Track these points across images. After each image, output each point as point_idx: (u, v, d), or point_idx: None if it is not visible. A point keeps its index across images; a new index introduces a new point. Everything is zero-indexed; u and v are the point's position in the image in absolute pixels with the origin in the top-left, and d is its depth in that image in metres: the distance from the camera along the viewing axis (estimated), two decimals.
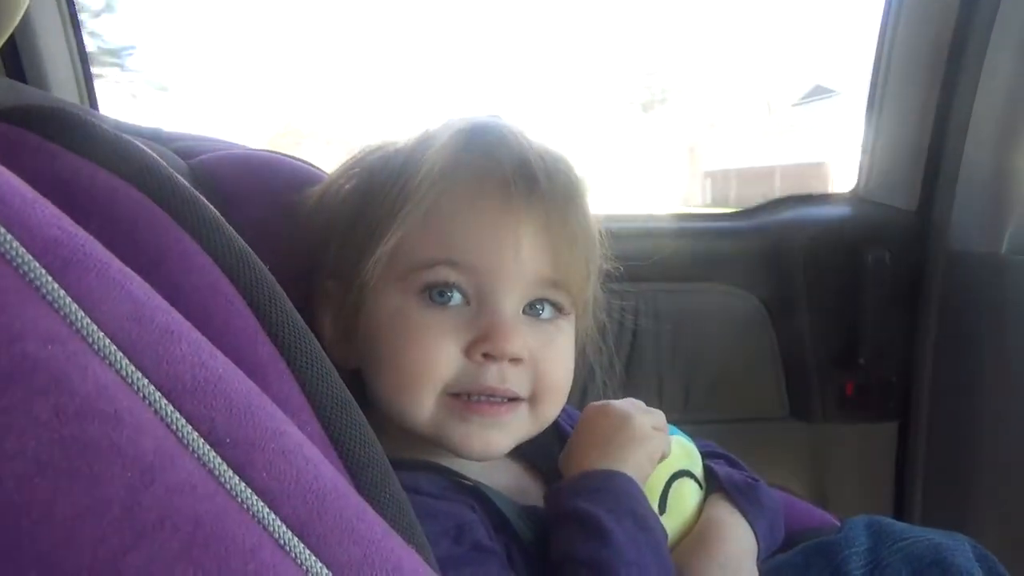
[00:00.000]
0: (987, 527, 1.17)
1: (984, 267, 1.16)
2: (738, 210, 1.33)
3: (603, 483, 0.57)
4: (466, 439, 0.56)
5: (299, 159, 0.77)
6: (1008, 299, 1.15)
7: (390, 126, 0.64)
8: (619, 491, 0.56)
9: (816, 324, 1.25)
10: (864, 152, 1.31)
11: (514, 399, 0.57)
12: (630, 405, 0.64)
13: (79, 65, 1.24)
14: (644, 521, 0.55)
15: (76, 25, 1.23)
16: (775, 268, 1.26)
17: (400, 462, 0.54)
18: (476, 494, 0.55)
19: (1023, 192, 1.13)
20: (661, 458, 0.63)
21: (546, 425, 0.60)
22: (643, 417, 0.62)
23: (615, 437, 0.60)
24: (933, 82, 1.21)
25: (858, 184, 1.32)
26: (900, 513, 1.30)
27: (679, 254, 1.22)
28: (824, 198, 1.35)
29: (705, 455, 0.69)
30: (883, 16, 1.25)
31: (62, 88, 1.20)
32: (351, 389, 0.41)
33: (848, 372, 1.26)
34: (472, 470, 0.58)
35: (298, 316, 0.39)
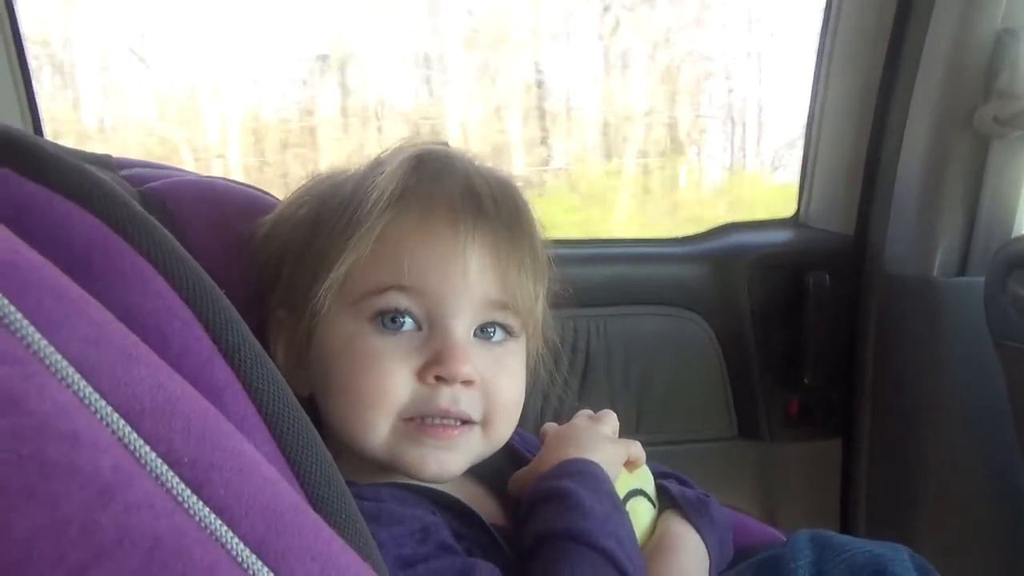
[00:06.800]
0: (925, 536, 1.22)
1: (917, 289, 1.22)
2: (685, 236, 1.36)
3: (581, 467, 0.59)
4: (421, 461, 0.56)
5: (251, 186, 0.77)
6: (939, 320, 1.20)
7: None
8: (597, 475, 0.59)
9: (761, 345, 1.29)
10: (804, 180, 1.36)
11: (467, 421, 0.58)
12: (586, 419, 0.68)
13: (22, 89, 1.21)
14: (617, 503, 0.58)
15: (20, 47, 1.20)
16: (721, 291, 1.29)
17: (353, 486, 0.54)
18: (436, 499, 0.56)
19: (951, 218, 1.19)
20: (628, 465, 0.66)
21: (499, 446, 0.61)
22: (602, 428, 0.66)
23: (585, 438, 0.63)
24: (866, 114, 1.27)
25: (799, 210, 1.38)
26: (845, 526, 1.34)
27: (628, 278, 1.25)
28: (767, 224, 1.40)
29: (656, 475, 0.70)
30: (818, 50, 1.31)
31: (4, 112, 1.18)
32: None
33: (793, 391, 1.30)
34: None
35: (254, 339, 0.39)
